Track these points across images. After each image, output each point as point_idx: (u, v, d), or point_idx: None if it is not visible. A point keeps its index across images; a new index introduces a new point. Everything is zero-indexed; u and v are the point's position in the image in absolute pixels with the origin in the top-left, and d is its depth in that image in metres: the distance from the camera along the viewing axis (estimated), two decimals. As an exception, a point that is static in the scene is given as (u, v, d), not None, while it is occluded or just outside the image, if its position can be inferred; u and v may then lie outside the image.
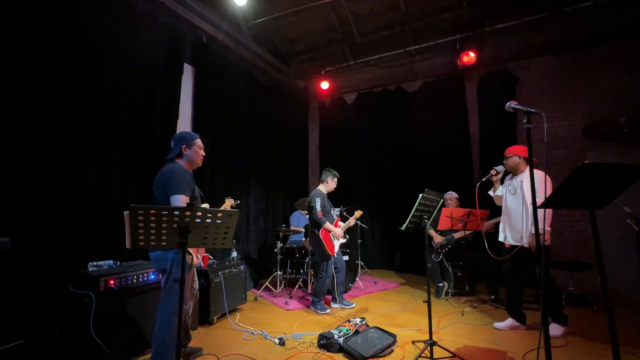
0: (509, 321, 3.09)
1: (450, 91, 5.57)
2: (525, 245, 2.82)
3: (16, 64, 2.43)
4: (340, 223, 3.95)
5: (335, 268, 3.72)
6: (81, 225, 2.75)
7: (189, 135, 2.37)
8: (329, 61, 6.33)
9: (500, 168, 3.08)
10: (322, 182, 3.87)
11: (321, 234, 3.63)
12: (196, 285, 2.56)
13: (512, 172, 3.08)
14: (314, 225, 3.68)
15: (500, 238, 3.12)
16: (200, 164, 2.41)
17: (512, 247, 2.98)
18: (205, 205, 2.45)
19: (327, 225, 3.62)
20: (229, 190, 4.50)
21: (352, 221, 3.95)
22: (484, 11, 4.89)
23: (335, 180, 3.88)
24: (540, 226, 2.81)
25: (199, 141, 2.37)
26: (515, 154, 3.01)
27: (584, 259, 4.30)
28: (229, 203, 2.91)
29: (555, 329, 2.86)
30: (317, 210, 3.62)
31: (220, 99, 4.55)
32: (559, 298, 3.09)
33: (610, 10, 4.41)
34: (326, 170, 3.90)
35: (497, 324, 3.13)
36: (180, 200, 2.06)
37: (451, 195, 4.36)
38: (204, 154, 2.42)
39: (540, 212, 2.88)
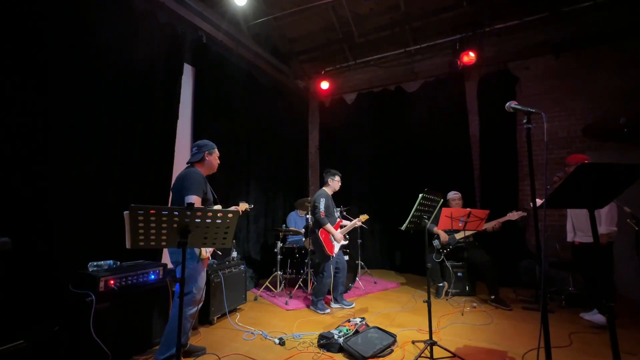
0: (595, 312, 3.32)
1: (450, 91, 5.56)
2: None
3: (16, 65, 2.43)
4: (345, 222, 3.95)
5: (336, 268, 3.73)
6: (81, 225, 2.75)
7: (210, 143, 2.64)
8: (329, 61, 6.33)
9: (561, 174, 3.42)
10: (325, 184, 3.89)
11: (320, 234, 3.64)
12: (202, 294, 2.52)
13: None
14: (316, 224, 3.70)
15: (569, 238, 3.52)
16: (215, 170, 2.70)
17: (582, 244, 3.34)
18: (217, 207, 2.53)
19: (328, 226, 3.63)
20: (229, 190, 4.50)
21: (356, 222, 3.92)
22: (484, 11, 4.89)
23: (337, 178, 3.89)
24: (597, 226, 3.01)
25: (216, 150, 2.67)
26: (579, 162, 3.22)
27: (584, 259, 4.30)
28: (242, 207, 2.96)
29: (600, 317, 3.15)
30: (321, 210, 3.64)
31: (220, 99, 4.55)
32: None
33: (610, 10, 4.41)
34: (325, 172, 3.93)
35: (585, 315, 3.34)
36: (191, 200, 2.25)
37: (458, 195, 4.35)
38: (219, 161, 2.72)
39: (580, 212, 3.25)
